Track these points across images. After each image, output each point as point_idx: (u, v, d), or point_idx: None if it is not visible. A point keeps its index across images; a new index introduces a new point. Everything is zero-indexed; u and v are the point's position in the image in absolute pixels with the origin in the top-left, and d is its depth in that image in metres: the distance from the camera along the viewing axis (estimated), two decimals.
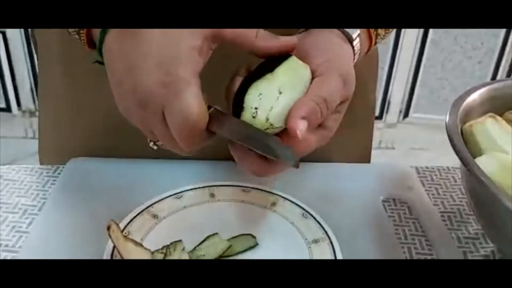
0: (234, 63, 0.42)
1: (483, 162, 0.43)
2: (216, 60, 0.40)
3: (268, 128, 0.39)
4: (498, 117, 0.49)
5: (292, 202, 0.52)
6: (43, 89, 0.64)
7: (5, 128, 1.98)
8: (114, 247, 0.44)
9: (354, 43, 0.44)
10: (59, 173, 0.59)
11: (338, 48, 0.42)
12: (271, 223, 0.50)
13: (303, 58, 0.41)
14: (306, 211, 0.51)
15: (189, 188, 0.54)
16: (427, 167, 0.63)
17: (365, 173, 0.61)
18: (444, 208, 0.57)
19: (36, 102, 2.02)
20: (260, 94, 0.39)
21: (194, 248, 0.46)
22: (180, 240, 0.45)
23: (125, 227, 0.48)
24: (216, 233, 0.47)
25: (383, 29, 0.48)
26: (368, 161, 0.72)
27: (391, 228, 0.53)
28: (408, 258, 0.50)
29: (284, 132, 0.39)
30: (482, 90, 0.52)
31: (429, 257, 0.50)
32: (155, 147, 0.43)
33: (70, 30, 0.45)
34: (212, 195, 0.53)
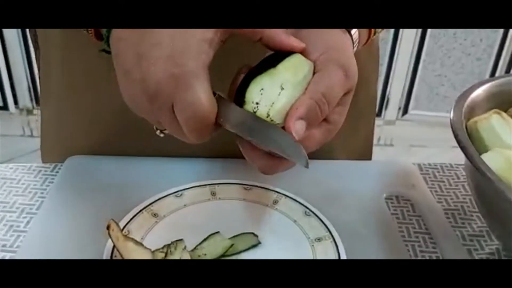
0: (239, 59, 0.41)
1: (489, 159, 0.42)
2: (221, 55, 0.40)
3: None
4: (503, 113, 0.49)
5: (294, 200, 0.52)
6: (45, 88, 0.63)
7: (3, 126, 1.97)
8: (114, 246, 0.43)
9: (352, 32, 0.43)
10: (57, 172, 0.58)
11: (336, 38, 0.41)
12: (273, 221, 0.50)
13: (301, 31, 0.40)
14: (309, 209, 0.50)
15: (190, 186, 0.53)
16: (429, 164, 0.63)
17: (368, 171, 0.60)
18: (447, 205, 0.56)
19: (34, 100, 2.02)
20: (262, 89, 0.38)
21: (195, 247, 0.45)
22: (181, 239, 0.44)
23: (125, 226, 0.47)
24: (218, 232, 0.47)
25: None
26: (370, 154, 0.72)
27: (395, 226, 0.52)
28: (412, 256, 0.49)
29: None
30: (487, 86, 0.51)
31: (433, 256, 0.49)
32: (161, 135, 0.43)
33: None
34: (213, 194, 0.52)
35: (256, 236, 0.47)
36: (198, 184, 0.53)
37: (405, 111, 2.17)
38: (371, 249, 0.48)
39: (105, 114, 0.58)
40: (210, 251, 0.45)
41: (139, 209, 0.49)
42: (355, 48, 0.44)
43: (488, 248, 0.51)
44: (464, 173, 0.62)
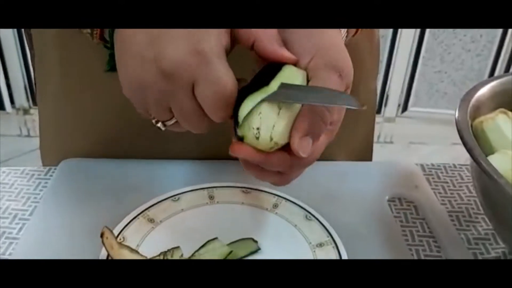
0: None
1: (495, 161, 0.41)
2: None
3: (273, 147, 0.37)
4: (510, 112, 0.47)
5: (295, 203, 0.50)
6: (41, 89, 0.62)
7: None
8: (109, 255, 0.42)
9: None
10: (51, 175, 0.57)
11: (324, 35, 0.39)
12: (273, 226, 0.48)
13: (289, 34, 0.38)
14: (310, 213, 0.49)
15: (187, 190, 0.51)
16: (432, 165, 0.61)
17: (369, 172, 0.58)
18: (451, 208, 0.55)
19: (30, 100, 2.00)
20: (260, 113, 0.36)
21: (193, 254, 0.44)
22: (178, 247, 0.43)
23: (120, 232, 0.45)
24: (216, 238, 0.45)
25: None
26: (371, 153, 0.70)
27: (398, 229, 0.51)
28: None
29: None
30: (492, 84, 0.50)
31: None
32: (163, 128, 0.41)
33: None
34: (211, 197, 0.51)
35: (256, 241, 0.46)
36: (195, 188, 0.52)
37: (404, 108, 2.15)
38: (374, 254, 0.47)
39: (104, 115, 0.57)
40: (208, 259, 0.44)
41: (135, 215, 0.47)
42: (344, 39, 0.42)
43: (494, 251, 0.49)
44: (468, 174, 0.60)
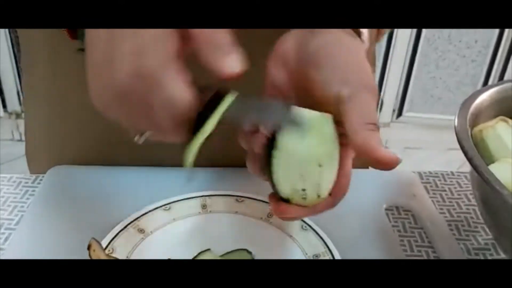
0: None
1: (497, 170, 0.40)
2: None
3: (319, 197, 0.37)
4: (510, 120, 0.46)
5: None
6: (28, 93, 0.60)
7: None
8: None
9: (363, 37, 0.39)
10: (39, 183, 0.55)
11: (351, 52, 0.37)
12: (267, 236, 0.47)
13: (311, 70, 0.36)
14: (305, 223, 0.48)
15: (179, 199, 0.50)
16: (430, 172, 0.60)
17: (366, 179, 0.57)
18: (450, 217, 0.54)
19: (23, 104, 1.98)
20: (302, 175, 0.35)
21: None
22: (168, 259, 0.41)
23: (109, 244, 0.44)
24: (209, 249, 0.44)
25: None
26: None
27: (396, 239, 0.50)
28: None
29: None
30: (491, 91, 0.49)
31: None
32: (140, 141, 0.39)
33: None
34: (204, 206, 0.49)
35: (250, 252, 0.45)
36: (187, 196, 0.50)
37: (399, 113, 2.15)
38: None
39: (94, 120, 0.55)
40: None
41: (124, 225, 0.46)
42: (366, 47, 0.40)
43: None
44: (466, 182, 0.59)
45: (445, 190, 0.57)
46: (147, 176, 0.54)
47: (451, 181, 0.59)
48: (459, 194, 0.57)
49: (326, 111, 0.36)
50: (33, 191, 0.54)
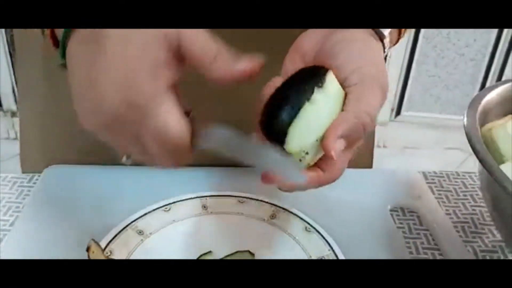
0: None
1: (508, 171, 0.39)
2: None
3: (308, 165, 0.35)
4: None
5: (294, 214, 0.47)
6: (22, 92, 0.59)
7: None
8: None
9: (385, 41, 0.39)
10: (34, 183, 0.53)
11: (368, 50, 0.37)
12: (270, 238, 0.46)
13: (327, 60, 0.36)
14: (309, 224, 0.46)
15: (179, 199, 0.48)
16: (435, 172, 0.59)
17: (370, 180, 0.56)
18: (456, 218, 0.52)
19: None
20: (317, 138, 0.34)
21: None
22: None
23: (107, 245, 0.42)
24: (210, 251, 0.42)
25: None
26: (371, 161, 0.68)
27: (402, 241, 0.48)
28: None
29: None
30: (500, 89, 0.47)
31: None
32: (128, 163, 0.38)
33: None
34: (205, 207, 0.48)
35: (253, 254, 0.43)
36: (188, 197, 0.49)
37: (398, 112, 2.14)
38: None
39: None
40: None
41: (123, 226, 0.44)
42: (386, 52, 0.39)
43: None
44: (471, 182, 0.58)
45: (450, 191, 0.56)
46: (146, 176, 0.53)
47: (456, 182, 0.58)
48: (464, 195, 0.56)
49: None
50: (29, 191, 0.52)
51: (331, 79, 0.35)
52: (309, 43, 0.38)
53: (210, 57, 0.32)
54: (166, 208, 0.47)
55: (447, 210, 0.53)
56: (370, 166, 0.67)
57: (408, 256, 0.47)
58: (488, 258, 0.47)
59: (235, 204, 0.48)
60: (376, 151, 0.68)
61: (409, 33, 0.45)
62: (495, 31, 1.94)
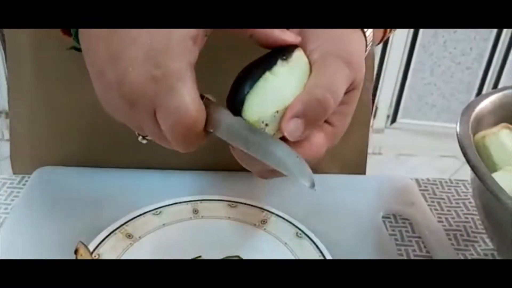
0: (230, 55, 0.36)
1: (500, 179, 0.38)
2: (210, 51, 0.35)
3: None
4: None
5: (285, 219, 0.47)
6: (13, 92, 0.58)
7: None
8: None
9: (367, 33, 0.38)
10: (24, 184, 0.53)
11: (343, 32, 0.36)
12: (261, 243, 0.45)
13: (301, 37, 0.36)
14: (301, 230, 0.46)
15: (169, 203, 0.48)
16: (428, 179, 0.59)
17: (363, 186, 0.56)
18: (449, 226, 0.52)
19: None
20: (277, 110, 0.34)
21: None
22: None
23: (95, 249, 0.42)
24: (200, 256, 0.42)
25: None
26: (364, 167, 0.67)
27: (393, 249, 0.48)
28: None
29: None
30: (493, 97, 0.47)
31: None
32: (144, 141, 0.38)
33: None
34: (195, 211, 0.48)
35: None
36: (178, 201, 0.48)
37: (393, 120, 2.14)
38: None
39: (81, 120, 0.53)
40: None
41: (112, 230, 0.44)
42: (369, 47, 0.39)
43: None
44: (464, 190, 0.58)
45: (443, 198, 0.56)
46: (136, 178, 0.52)
47: (449, 189, 0.58)
48: (457, 203, 0.56)
49: None
50: (18, 192, 0.52)
51: (298, 55, 0.34)
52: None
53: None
54: (156, 211, 0.47)
55: (439, 217, 0.53)
56: (363, 172, 0.67)
57: None
58: None
59: (226, 209, 0.48)
60: (372, 158, 0.68)
61: (393, 32, 0.45)
62: (491, 40, 1.95)
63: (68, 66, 0.49)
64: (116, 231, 0.44)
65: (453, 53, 1.98)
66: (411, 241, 0.49)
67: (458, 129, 0.43)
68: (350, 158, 0.64)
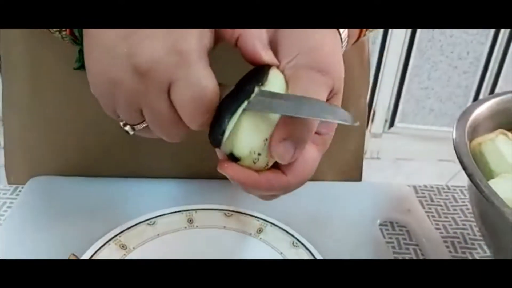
0: (230, 53, 0.36)
1: (497, 186, 0.38)
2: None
3: (266, 166, 0.34)
4: (509, 133, 0.44)
5: (281, 228, 0.47)
6: (7, 100, 0.58)
7: None
8: None
9: (341, 30, 0.37)
10: (17, 194, 0.52)
11: (315, 35, 0.35)
12: (257, 253, 0.45)
13: (273, 51, 0.35)
14: (297, 239, 0.45)
15: (164, 213, 0.47)
16: (425, 186, 0.58)
17: (359, 193, 0.55)
18: (446, 233, 0.52)
19: None
20: (266, 139, 0.33)
21: None
22: None
23: (89, 259, 0.41)
24: None
25: None
26: (360, 173, 0.67)
27: (390, 256, 0.48)
28: None
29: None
30: (490, 103, 0.47)
31: None
32: (131, 132, 0.36)
33: None
34: (190, 221, 0.47)
35: None
36: (173, 210, 0.48)
37: (391, 124, 2.14)
38: None
39: (75, 131, 0.53)
40: None
41: (105, 240, 0.43)
42: (344, 47, 0.38)
43: None
44: (462, 196, 0.57)
45: (440, 205, 0.56)
46: (130, 188, 0.52)
47: (446, 195, 0.57)
48: (454, 209, 0.55)
49: None
50: (11, 202, 0.51)
51: (274, 75, 0.34)
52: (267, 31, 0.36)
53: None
54: (150, 222, 0.46)
55: (437, 224, 0.53)
56: (359, 177, 0.66)
57: None
58: None
59: (221, 218, 0.48)
60: (370, 163, 0.68)
61: (372, 31, 0.44)
62: (488, 44, 1.95)
63: (62, 79, 0.49)
64: (110, 242, 0.43)
65: (450, 57, 1.98)
66: (408, 249, 0.49)
67: (454, 136, 0.42)
68: (346, 164, 0.64)
